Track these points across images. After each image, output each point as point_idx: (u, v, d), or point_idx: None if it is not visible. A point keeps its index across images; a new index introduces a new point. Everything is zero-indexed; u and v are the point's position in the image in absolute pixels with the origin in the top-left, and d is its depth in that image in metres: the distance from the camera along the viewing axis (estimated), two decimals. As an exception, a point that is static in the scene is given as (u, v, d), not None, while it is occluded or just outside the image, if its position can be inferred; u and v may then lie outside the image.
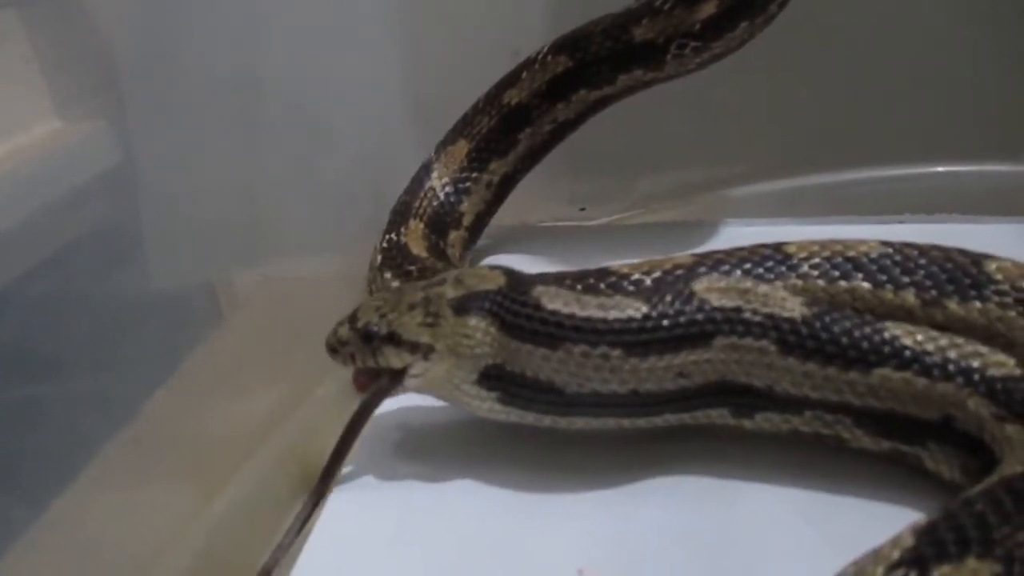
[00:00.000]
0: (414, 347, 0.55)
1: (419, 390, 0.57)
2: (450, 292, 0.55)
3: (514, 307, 0.54)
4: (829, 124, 0.93)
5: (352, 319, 0.56)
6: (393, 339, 0.55)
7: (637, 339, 0.52)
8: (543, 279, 0.62)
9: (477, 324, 0.54)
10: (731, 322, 0.52)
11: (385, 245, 0.72)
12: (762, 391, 0.53)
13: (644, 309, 0.53)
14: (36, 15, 0.69)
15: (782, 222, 0.81)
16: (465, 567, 0.51)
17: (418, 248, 0.71)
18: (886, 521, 0.44)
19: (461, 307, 0.54)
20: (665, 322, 0.52)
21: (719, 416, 0.55)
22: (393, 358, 0.55)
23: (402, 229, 0.73)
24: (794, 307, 0.52)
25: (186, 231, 0.73)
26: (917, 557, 0.38)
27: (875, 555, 0.40)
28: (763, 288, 0.54)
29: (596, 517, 0.53)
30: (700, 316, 0.52)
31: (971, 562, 0.38)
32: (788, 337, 0.52)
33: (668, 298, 0.53)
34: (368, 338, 0.55)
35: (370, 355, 0.55)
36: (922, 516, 0.42)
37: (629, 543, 0.51)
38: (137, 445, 0.62)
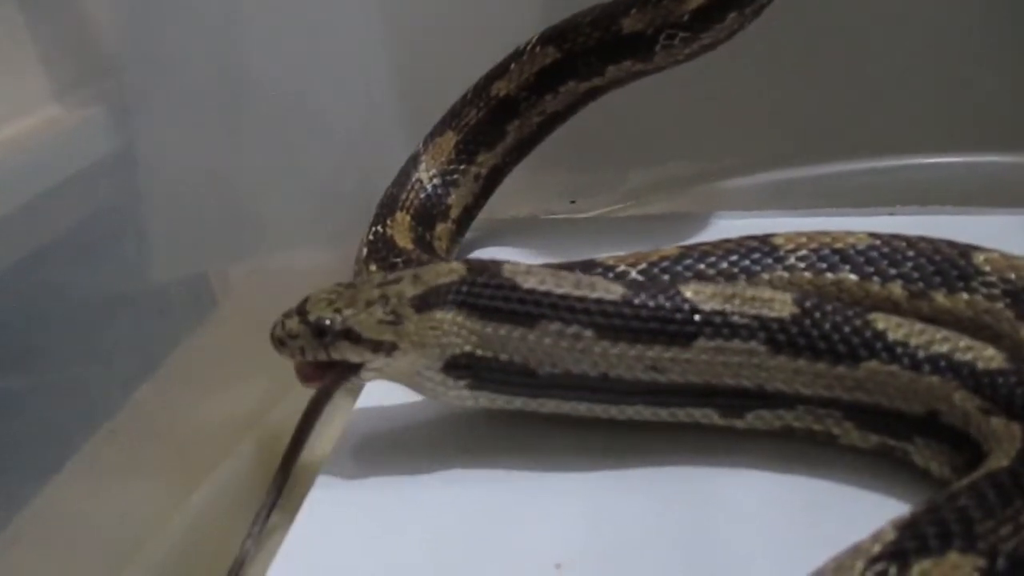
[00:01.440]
0: (376, 345, 0.54)
1: (375, 379, 0.57)
2: (409, 290, 0.55)
3: (487, 291, 0.54)
4: (819, 116, 0.93)
5: (301, 312, 0.55)
6: (350, 335, 0.54)
7: (609, 322, 0.52)
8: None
9: (444, 316, 0.54)
10: (714, 325, 0.52)
11: (371, 238, 0.72)
12: (752, 391, 0.53)
13: (621, 292, 0.53)
14: (33, 1, 0.69)
15: (772, 214, 0.80)
16: (444, 562, 0.51)
17: (404, 240, 0.70)
18: (871, 514, 0.43)
19: (424, 303, 0.54)
20: (641, 312, 0.52)
21: (704, 416, 0.54)
22: (349, 353, 0.55)
23: (388, 221, 0.73)
24: (783, 307, 0.52)
25: (174, 222, 0.73)
26: (898, 551, 0.38)
27: (856, 549, 0.39)
28: (751, 291, 0.53)
29: (575, 511, 0.53)
30: (679, 316, 0.52)
31: (953, 556, 0.37)
32: (777, 336, 0.51)
33: (651, 290, 0.53)
34: (321, 333, 0.54)
35: (322, 349, 0.55)
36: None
37: (608, 536, 0.51)
38: (120, 436, 0.62)
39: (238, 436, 0.65)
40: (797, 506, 0.51)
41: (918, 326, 0.51)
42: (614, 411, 0.55)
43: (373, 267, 0.68)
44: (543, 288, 0.53)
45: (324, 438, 0.60)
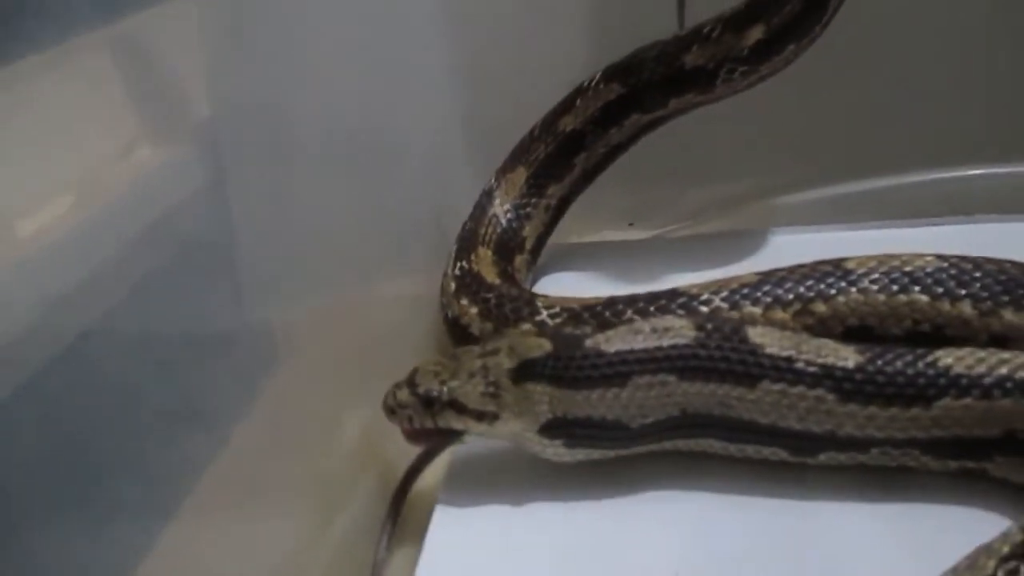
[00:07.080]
0: (479, 415, 0.59)
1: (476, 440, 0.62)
2: (506, 362, 0.60)
3: (574, 363, 0.58)
4: (869, 132, 0.95)
5: (411, 383, 0.61)
6: (455, 405, 0.60)
7: (687, 364, 0.57)
8: (607, 311, 0.66)
9: (535, 387, 0.58)
10: (779, 370, 0.55)
11: (458, 273, 0.76)
12: (821, 435, 0.56)
13: (693, 336, 0.57)
14: (128, 42, 0.71)
15: (827, 228, 0.83)
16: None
17: (491, 276, 0.74)
18: (961, 529, 0.47)
19: (519, 375, 0.59)
20: (713, 353, 0.56)
21: (772, 454, 0.58)
22: (454, 422, 0.60)
23: (472, 256, 0.77)
24: (848, 356, 0.55)
25: (258, 257, 0.76)
26: None
27: (987, 549, 0.43)
28: (816, 340, 0.57)
29: (684, 526, 0.57)
30: (749, 358, 0.56)
31: None
32: (845, 385, 0.54)
33: (721, 331, 0.57)
34: (429, 403, 0.60)
35: (429, 417, 0.60)
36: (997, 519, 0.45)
37: (720, 548, 0.55)
38: (229, 478, 0.64)
39: (357, 467, 0.68)
40: (888, 518, 0.55)
41: (979, 353, 0.54)
42: (692, 444, 0.59)
43: (464, 301, 0.72)
44: (627, 348, 0.58)
45: (435, 463, 0.64)
